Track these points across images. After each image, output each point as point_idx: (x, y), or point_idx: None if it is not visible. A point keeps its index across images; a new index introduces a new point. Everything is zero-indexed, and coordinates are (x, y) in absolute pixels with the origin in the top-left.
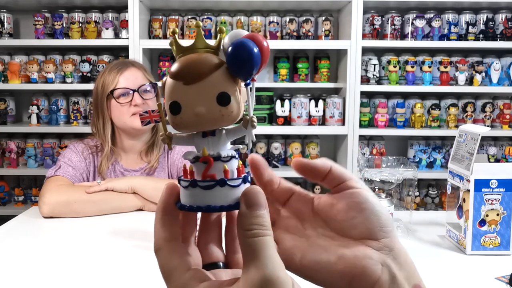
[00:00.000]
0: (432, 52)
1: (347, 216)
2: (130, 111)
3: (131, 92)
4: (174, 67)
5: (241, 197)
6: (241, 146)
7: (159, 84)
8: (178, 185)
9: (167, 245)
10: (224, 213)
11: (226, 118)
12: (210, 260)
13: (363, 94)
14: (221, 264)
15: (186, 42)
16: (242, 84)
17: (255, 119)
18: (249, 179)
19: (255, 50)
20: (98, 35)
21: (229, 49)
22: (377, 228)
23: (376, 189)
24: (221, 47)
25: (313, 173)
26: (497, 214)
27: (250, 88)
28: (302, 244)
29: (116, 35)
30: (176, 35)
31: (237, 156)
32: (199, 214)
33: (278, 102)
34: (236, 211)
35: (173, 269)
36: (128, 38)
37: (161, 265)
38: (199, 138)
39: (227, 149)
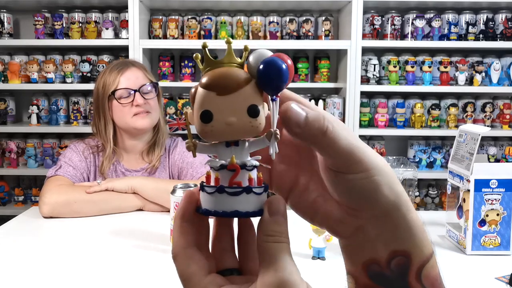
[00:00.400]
0: (432, 52)
1: (332, 182)
2: (131, 111)
3: (133, 92)
4: (206, 78)
5: (265, 204)
6: (260, 157)
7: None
8: (200, 191)
9: (185, 251)
10: (236, 221)
11: (255, 129)
12: (224, 266)
13: (363, 94)
14: (234, 270)
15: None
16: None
17: (278, 132)
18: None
19: (284, 67)
20: (98, 35)
21: (261, 66)
22: (362, 209)
23: None
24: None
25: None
26: (497, 214)
27: (275, 103)
28: (289, 184)
29: (116, 35)
30: (207, 49)
31: (257, 165)
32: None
33: None
34: (251, 218)
35: (192, 275)
36: (128, 38)
37: (179, 271)
38: (223, 147)
39: (249, 159)
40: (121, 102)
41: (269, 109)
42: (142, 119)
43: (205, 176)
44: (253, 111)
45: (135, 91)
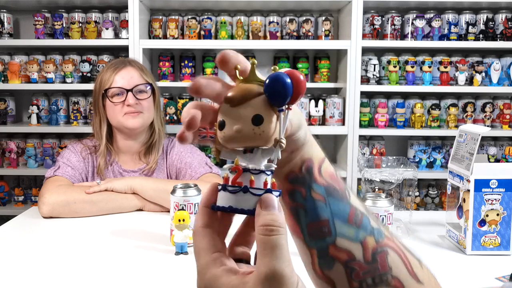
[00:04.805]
0: (432, 52)
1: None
2: (123, 110)
3: (125, 91)
4: (226, 93)
5: (259, 201)
6: (274, 166)
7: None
8: (220, 191)
9: (202, 230)
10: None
11: (258, 136)
12: (236, 257)
13: (363, 94)
14: (244, 261)
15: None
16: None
17: (283, 141)
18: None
19: (287, 81)
20: (98, 35)
21: (267, 81)
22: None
23: (376, 189)
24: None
25: None
26: (497, 214)
27: (283, 114)
28: None
29: (116, 35)
30: (255, 66)
31: (268, 172)
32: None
33: None
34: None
35: (202, 250)
36: (128, 38)
37: (194, 246)
38: (241, 153)
39: (262, 165)
40: (112, 101)
41: (277, 119)
42: (133, 118)
43: (223, 178)
44: (257, 120)
45: (127, 90)
